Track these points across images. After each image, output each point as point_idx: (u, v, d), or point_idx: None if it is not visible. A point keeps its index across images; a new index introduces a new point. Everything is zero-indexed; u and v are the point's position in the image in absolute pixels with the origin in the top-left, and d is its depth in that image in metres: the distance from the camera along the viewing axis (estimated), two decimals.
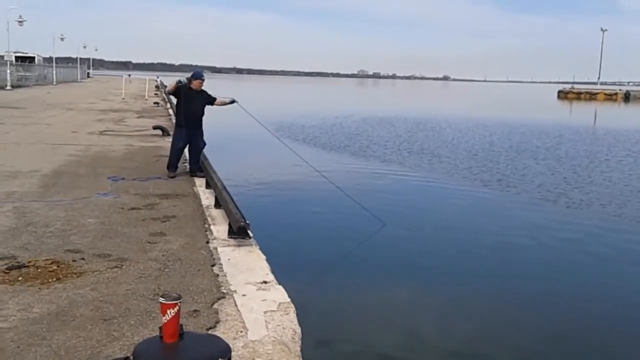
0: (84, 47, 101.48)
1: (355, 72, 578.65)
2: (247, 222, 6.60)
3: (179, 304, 2.99)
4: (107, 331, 4.25)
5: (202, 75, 10.48)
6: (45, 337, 4.15)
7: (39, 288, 5.03)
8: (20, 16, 48.28)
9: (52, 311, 4.57)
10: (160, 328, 3.03)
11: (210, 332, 4.31)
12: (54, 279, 5.23)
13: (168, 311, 2.95)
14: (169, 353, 2.94)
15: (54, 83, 57.10)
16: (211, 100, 10.47)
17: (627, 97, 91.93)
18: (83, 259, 5.80)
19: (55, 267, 5.50)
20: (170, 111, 26.01)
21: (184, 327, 3.20)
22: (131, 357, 3.05)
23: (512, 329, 6.74)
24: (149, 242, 6.43)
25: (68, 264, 5.61)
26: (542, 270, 8.62)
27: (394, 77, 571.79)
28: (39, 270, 5.42)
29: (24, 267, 5.49)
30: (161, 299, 3.00)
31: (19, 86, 45.68)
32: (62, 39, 70.27)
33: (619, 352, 6.30)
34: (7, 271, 5.36)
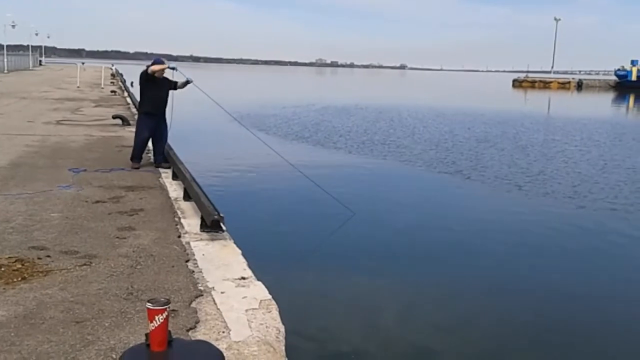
0: (36, 34, 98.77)
1: (314, 61, 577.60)
2: (221, 214, 6.36)
3: (167, 309, 2.78)
4: (80, 335, 4.00)
5: (163, 62, 10.17)
6: (14, 342, 3.87)
7: (4, 288, 4.73)
8: None
9: (20, 314, 4.29)
10: (147, 335, 2.81)
11: (190, 333, 4.10)
12: (19, 279, 4.93)
13: (156, 317, 2.74)
14: None
15: (5, 71, 55.28)
16: (173, 85, 10.18)
17: (579, 86, 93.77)
18: (49, 256, 5.50)
19: (20, 266, 5.19)
20: (129, 99, 25.42)
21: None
22: None
23: (473, 313, 6.76)
24: (117, 237, 6.16)
25: (33, 262, 5.31)
26: (507, 256, 8.69)
27: (352, 65, 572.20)
28: (2, 269, 5.11)
29: None
30: (148, 304, 2.78)
31: None
32: (13, 26, 68.13)
33: (593, 340, 6.31)
34: None
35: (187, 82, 10.33)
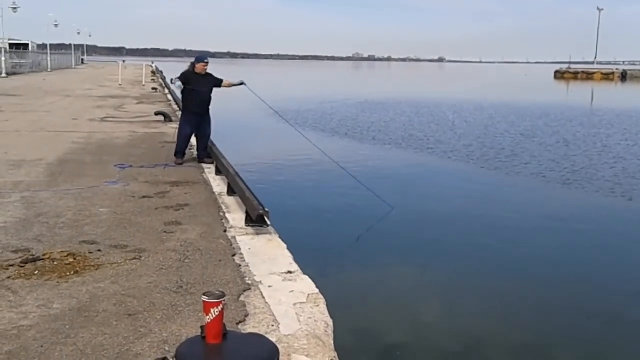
0: (78, 33, 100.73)
1: (351, 55, 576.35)
2: (267, 209, 6.40)
3: (223, 302, 2.81)
4: (133, 327, 4.07)
5: (206, 58, 10.22)
6: (69, 334, 3.96)
7: (57, 282, 4.84)
8: (14, 2, 47.72)
9: (74, 307, 4.39)
10: (202, 327, 2.84)
11: (240, 326, 4.13)
12: (72, 272, 5.04)
13: (212, 310, 2.77)
14: (215, 355, 2.75)
15: (49, 70, 56.55)
16: (218, 83, 10.21)
17: (623, 77, 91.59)
18: (99, 250, 5.61)
19: (72, 260, 5.31)
20: (170, 97, 25.73)
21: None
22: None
23: (519, 309, 6.69)
24: (165, 232, 6.25)
25: (85, 256, 5.42)
26: (551, 254, 8.51)
27: (389, 59, 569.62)
28: (55, 263, 5.23)
29: (40, 260, 5.29)
30: (204, 297, 2.81)
31: (13, 74, 45.21)
32: (56, 26, 69.56)
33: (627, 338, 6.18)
34: (23, 265, 5.17)
35: (240, 84, 10.44)
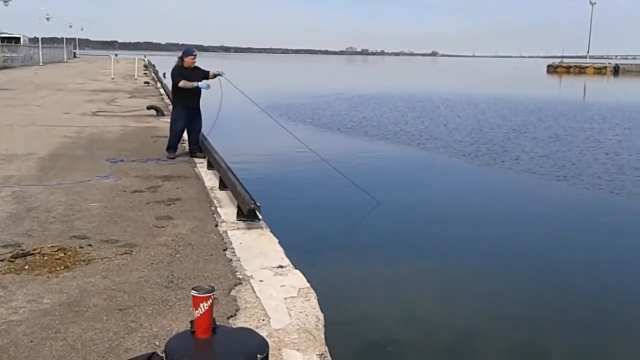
0: (70, 26, 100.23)
1: (344, 49, 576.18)
2: (258, 204, 6.40)
3: (212, 296, 2.81)
4: (123, 322, 4.07)
5: (193, 51, 10.18)
6: (59, 329, 3.96)
7: (47, 277, 4.83)
8: None
9: (64, 301, 4.38)
10: (191, 322, 2.85)
11: (231, 320, 4.14)
12: (62, 267, 5.03)
13: (201, 304, 2.77)
14: (204, 350, 2.76)
15: (41, 64, 56.27)
16: (206, 75, 10.18)
17: (616, 71, 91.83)
18: (90, 245, 5.60)
19: (62, 255, 5.29)
20: (162, 90, 25.65)
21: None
22: (162, 354, 2.87)
23: (508, 301, 6.73)
24: (156, 227, 6.24)
25: (75, 251, 5.41)
26: (539, 249, 8.52)
27: (382, 53, 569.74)
28: (46, 258, 5.22)
29: (30, 255, 5.28)
30: (193, 292, 2.81)
31: (5, 67, 44.97)
32: (47, 19, 69.16)
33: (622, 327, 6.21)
34: (12, 260, 5.15)
35: (218, 75, 10.31)
